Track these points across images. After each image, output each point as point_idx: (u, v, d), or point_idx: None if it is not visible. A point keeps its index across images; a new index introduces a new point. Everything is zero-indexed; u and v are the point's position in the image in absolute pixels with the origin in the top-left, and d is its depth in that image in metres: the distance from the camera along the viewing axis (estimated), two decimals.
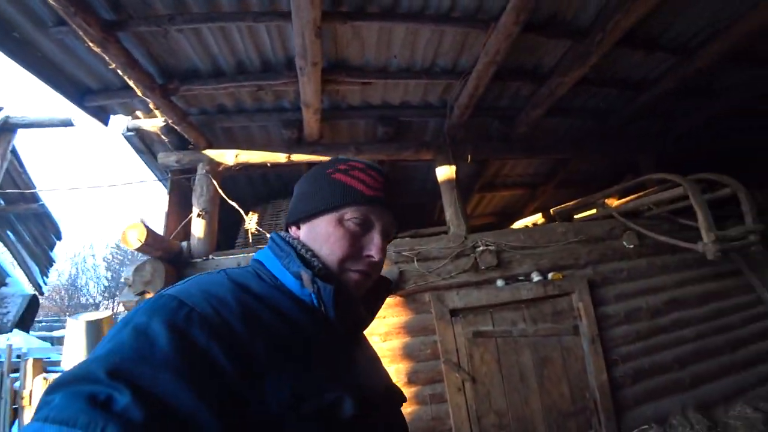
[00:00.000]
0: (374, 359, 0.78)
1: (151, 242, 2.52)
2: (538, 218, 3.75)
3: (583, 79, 3.06)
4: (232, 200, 3.04)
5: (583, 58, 2.58)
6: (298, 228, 0.74)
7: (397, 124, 3.26)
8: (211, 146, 3.17)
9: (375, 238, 0.69)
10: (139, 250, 2.47)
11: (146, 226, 2.45)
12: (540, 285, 3.01)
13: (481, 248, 3.00)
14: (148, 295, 2.73)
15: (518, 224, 4.14)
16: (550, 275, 3.07)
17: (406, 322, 2.91)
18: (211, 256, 2.93)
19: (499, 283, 2.99)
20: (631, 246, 3.37)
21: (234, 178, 3.69)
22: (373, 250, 0.69)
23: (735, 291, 3.59)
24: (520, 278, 3.05)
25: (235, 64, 2.60)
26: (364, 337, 0.80)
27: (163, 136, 3.09)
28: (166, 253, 2.76)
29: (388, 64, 2.70)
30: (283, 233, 0.75)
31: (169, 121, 2.73)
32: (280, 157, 3.16)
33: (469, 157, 3.39)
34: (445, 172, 3.28)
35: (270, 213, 3.38)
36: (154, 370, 0.41)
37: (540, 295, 3.01)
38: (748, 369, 3.36)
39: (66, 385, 0.40)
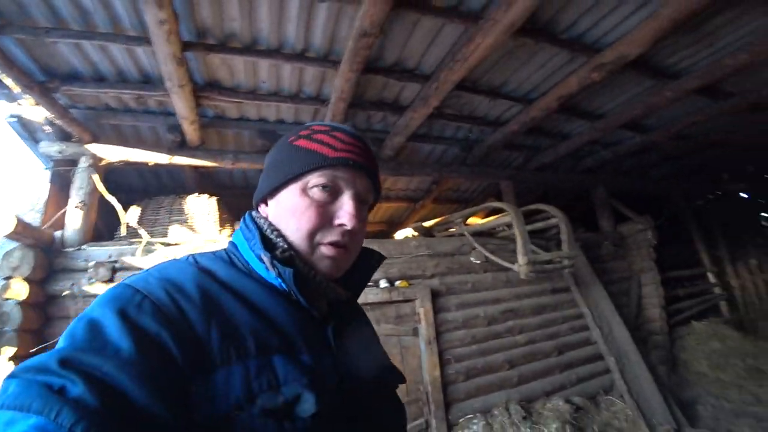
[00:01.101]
0: (367, 340, 0.76)
1: (21, 230, 2.89)
2: (411, 232, 4.46)
3: (440, 114, 3.84)
4: (120, 191, 3.44)
5: (425, 99, 3.32)
6: (267, 205, 0.73)
7: (275, 137, 3.84)
8: (96, 140, 3.56)
9: (346, 203, 0.67)
10: (8, 237, 2.84)
11: (17, 216, 2.83)
12: (386, 291, 3.69)
13: None
14: (15, 281, 3.09)
15: (398, 234, 4.86)
16: (397, 283, 3.76)
17: None
18: (84, 247, 3.32)
19: (383, 283, 3.64)
20: (478, 262, 4.17)
21: (123, 171, 4.08)
22: (344, 218, 0.66)
23: (565, 305, 4.50)
24: (370, 284, 3.71)
25: (115, 73, 3.07)
26: (359, 315, 0.79)
27: (46, 127, 3.45)
28: (38, 242, 3.13)
29: (257, 88, 3.29)
30: (253, 213, 0.73)
31: (50, 117, 3.12)
32: (163, 158, 3.63)
33: None
34: None
35: (151, 208, 3.79)
36: (105, 361, 0.43)
37: (386, 300, 3.69)
38: (568, 370, 4.24)
39: (21, 374, 0.41)
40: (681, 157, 5.75)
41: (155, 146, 3.75)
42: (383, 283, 3.74)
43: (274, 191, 0.71)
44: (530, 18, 2.79)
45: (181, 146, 3.65)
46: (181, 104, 3.04)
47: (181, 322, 0.51)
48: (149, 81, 3.13)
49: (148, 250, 3.33)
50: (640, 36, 2.82)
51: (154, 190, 4.48)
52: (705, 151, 5.61)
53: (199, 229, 3.72)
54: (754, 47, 3.12)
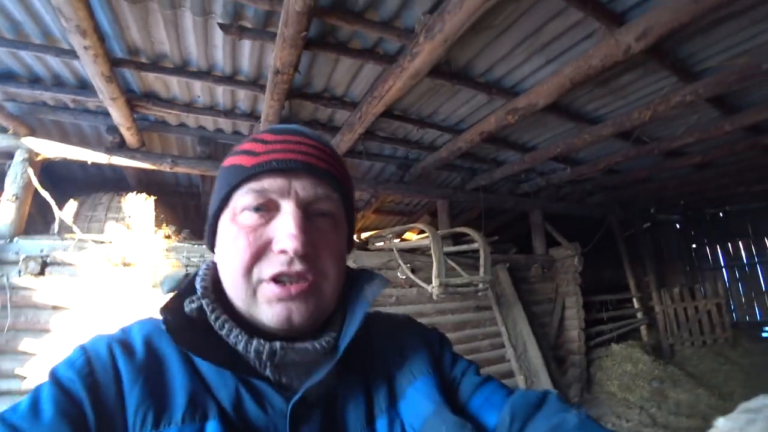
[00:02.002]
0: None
1: None
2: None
3: (374, 136, 4.11)
4: (63, 182, 3.58)
5: (351, 126, 3.58)
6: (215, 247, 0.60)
7: (215, 144, 4.05)
8: (33, 134, 3.70)
9: (283, 219, 0.53)
10: None
11: None
12: None
13: None
14: None
15: None
16: None
17: None
18: (16, 239, 3.48)
19: None
20: (403, 277, 4.47)
21: (65, 163, 4.22)
22: (282, 240, 0.51)
23: (487, 322, 4.86)
24: None
25: (51, 77, 3.23)
26: (354, 384, 0.58)
27: None
28: None
29: (193, 102, 3.50)
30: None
31: None
32: (102, 158, 3.80)
33: None
34: None
35: (89, 204, 3.97)
36: (27, 423, 0.44)
37: None
38: None
39: None
40: (614, 188, 6.18)
41: (97, 144, 3.91)
42: None
43: (212, 232, 0.60)
44: (446, 62, 3.08)
45: (121, 147, 3.83)
46: (115, 113, 3.22)
47: (107, 385, 0.49)
48: (86, 87, 3.29)
49: (80, 246, 3.52)
50: (545, 89, 3.12)
51: (97, 183, 4.65)
52: (636, 185, 6.04)
53: (135, 229, 3.91)
54: (656, 105, 3.48)
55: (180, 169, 3.99)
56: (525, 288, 5.32)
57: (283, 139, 0.57)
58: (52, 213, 3.66)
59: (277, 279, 0.52)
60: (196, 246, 3.84)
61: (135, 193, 4.12)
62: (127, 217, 3.97)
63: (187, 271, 3.64)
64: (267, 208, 0.54)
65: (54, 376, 0.49)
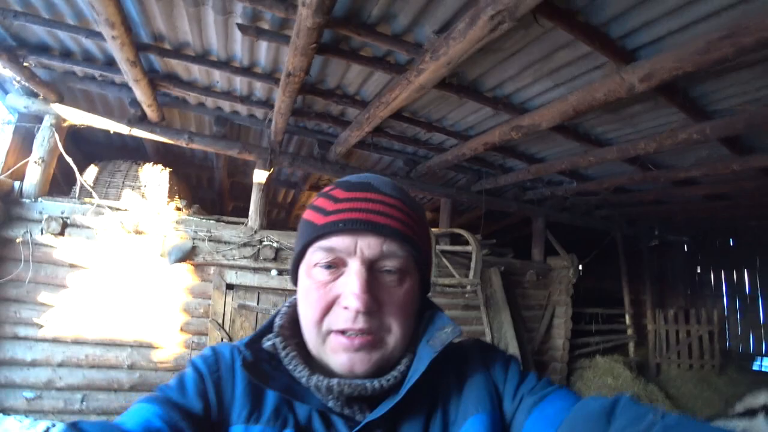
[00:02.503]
0: None
1: None
2: None
3: (384, 133, 4.25)
4: (86, 144, 3.84)
5: (360, 124, 3.72)
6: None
7: (231, 124, 4.26)
8: (62, 101, 3.96)
9: (348, 279, 0.58)
10: None
11: None
12: (285, 280, 4.22)
13: (265, 243, 4.15)
14: None
15: None
16: None
17: (192, 286, 4.03)
18: (40, 199, 3.80)
19: (273, 272, 4.18)
20: None
21: (91, 128, 4.50)
22: (347, 298, 0.57)
23: (473, 321, 5.07)
24: (266, 270, 4.24)
25: (81, 51, 3.45)
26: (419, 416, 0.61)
27: (16, 81, 3.85)
28: None
29: (212, 86, 3.69)
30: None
31: (18, 78, 3.52)
32: (123, 129, 4.05)
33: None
34: (259, 175, 4.36)
35: (108, 171, 4.26)
36: (173, 391, 0.60)
37: (281, 287, 4.23)
38: None
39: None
40: (621, 205, 6.20)
41: (120, 114, 4.16)
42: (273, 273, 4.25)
43: (294, 275, 0.68)
44: (455, 75, 3.18)
45: (142, 120, 4.06)
46: (138, 92, 3.44)
47: (227, 379, 0.62)
48: (113, 63, 3.50)
49: (97, 211, 3.83)
50: (549, 113, 3.20)
51: (118, 149, 4.95)
52: (644, 205, 6.05)
53: (149, 199, 4.20)
54: (662, 139, 3.52)
55: (195, 146, 4.23)
56: (518, 292, 5.49)
57: (352, 197, 0.62)
58: (75, 177, 3.96)
59: (343, 332, 0.58)
60: (204, 221, 4.11)
61: (152, 163, 4.39)
62: (143, 187, 4.25)
63: (193, 243, 3.93)
64: (336, 265, 0.60)
65: (194, 365, 0.64)
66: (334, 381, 0.58)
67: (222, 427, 0.59)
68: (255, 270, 4.17)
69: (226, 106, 4.07)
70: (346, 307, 0.57)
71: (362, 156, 4.92)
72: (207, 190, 6.14)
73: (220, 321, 4.05)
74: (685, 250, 8.59)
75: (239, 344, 0.67)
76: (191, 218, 4.12)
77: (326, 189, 0.66)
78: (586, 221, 6.65)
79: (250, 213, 4.31)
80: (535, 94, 3.34)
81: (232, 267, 4.11)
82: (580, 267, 5.94)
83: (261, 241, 4.19)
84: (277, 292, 4.24)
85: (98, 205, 3.83)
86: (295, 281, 0.68)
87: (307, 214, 0.65)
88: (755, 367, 7.40)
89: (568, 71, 2.99)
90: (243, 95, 3.81)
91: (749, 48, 2.21)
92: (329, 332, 0.59)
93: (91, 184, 4.06)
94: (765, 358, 7.70)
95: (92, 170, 4.27)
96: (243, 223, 4.28)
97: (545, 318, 5.62)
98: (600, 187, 5.01)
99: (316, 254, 0.61)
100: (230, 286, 4.10)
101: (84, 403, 3.61)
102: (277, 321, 0.67)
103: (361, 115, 3.64)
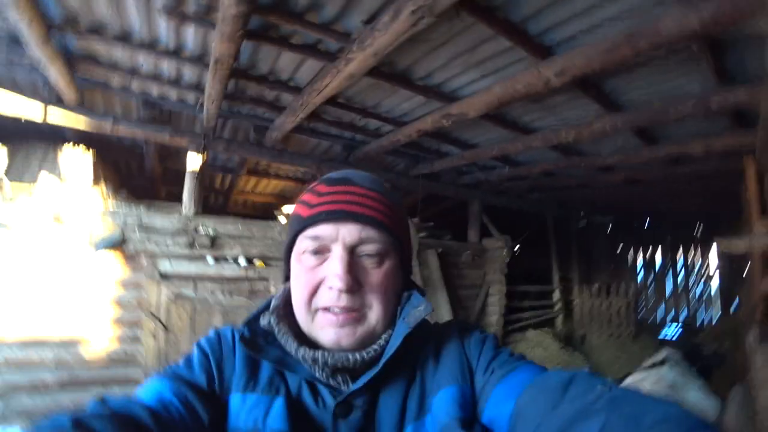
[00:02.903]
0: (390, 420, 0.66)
1: None
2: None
3: (320, 119, 4.27)
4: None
5: (294, 111, 3.74)
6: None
7: (160, 108, 4.11)
8: None
9: (331, 262, 0.66)
10: None
11: None
12: (243, 268, 4.23)
13: (201, 231, 4.10)
14: None
15: (285, 209, 5.41)
16: (256, 262, 4.31)
17: (123, 277, 3.91)
18: None
19: (210, 260, 4.14)
20: None
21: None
22: (331, 279, 0.65)
23: None
24: (229, 260, 4.24)
25: None
26: (397, 385, 0.68)
27: None
28: None
29: (137, 68, 3.52)
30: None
31: None
32: (37, 112, 3.78)
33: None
34: (193, 160, 4.27)
35: (22, 155, 3.98)
36: (182, 366, 0.70)
37: (241, 276, 4.25)
38: None
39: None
40: (552, 189, 6.66)
41: (32, 94, 3.86)
42: (242, 262, 4.27)
43: (287, 264, 0.75)
44: (387, 64, 3.26)
45: (59, 102, 3.82)
46: (54, 71, 3.23)
47: (228, 357, 0.71)
48: (18, 42, 3.26)
49: (11, 199, 3.58)
50: (475, 102, 3.39)
51: (32, 132, 4.61)
52: (571, 189, 6.53)
53: (70, 184, 3.97)
54: (580, 129, 3.83)
55: (122, 131, 4.05)
56: (455, 273, 5.79)
57: (333, 191, 0.70)
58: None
59: (329, 310, 0.65)
60: (133, 208, 3.98)
61: (72, 145, 4.13)
62: (62, 170, 4.01)
63: (122, 231, 3.81)
64: (321, 252, 0.67)
65: (199, 346, 0.73)
66: (319, 352, 0.65)
67: (224, 396, 0.68)
68: (191, 258, 4.11)
69: (154, 89, 3.90)
70: (330, 287, 0.64)
71: (300, 141, 4.93)
72: (138, 176, 5.87)
73: (155, 312, 3.97)
74: (608, 230, 9.44)
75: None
76: (119, 205, 3.97)
77: (312, 185, 0.75)
78: (520, 204, 7.09)
79: (184, 199, 4.22)
80: (463, 83, 3.50)
81: (165, 256, 4.03)
82: (516, 248, 6.35)
83: (196, 229, 4.12)
84: (214, 281, 4.21)
85: (10, 192, 3.59)
86: (287, 270, 0.75)
87: (296, 209, 0.73)
88: (662, 334, 8.35)
89: (493, 63, 3.15)
90: (171, 79, 3.68)
91: (645, 50, 2.48)
92: (317, 310, 0.66)
93: (2, 171, 3.78)
94: (670, 326, 8.78)
95: (2, 153, 3.96)
96: (177, 210, 4.19)
97: (480, 296, 5.98)
98: (530, 172, 5.35)
99: (304, 242, 0.68)
100: (164, 276, 4.03)
101: (5, 405, 3.44)
102: (273, 302, 0.75)
103: (296, 102, 3.65)
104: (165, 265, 4.01)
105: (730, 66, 2.90)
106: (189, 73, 3.57)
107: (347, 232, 0.66)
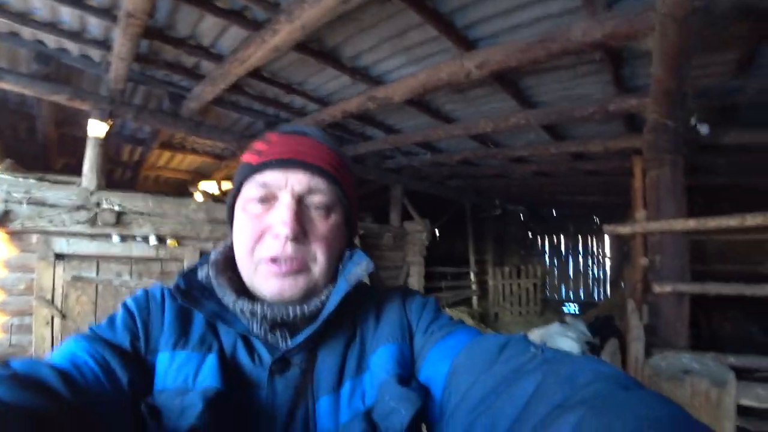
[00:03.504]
0: (327, 375, 0.65)
1: None
2: (214, 186, 4.78)
3: (242, 91, 4.09)
4: None
5: (214, 81, 3.55)
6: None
7: (58, 63, 3.65)
8: None
9: (278, 207, 0.64)
10: None
11: None
12: (154, 247, 3.97)
13: (104, 206, 3.76)
14: None
15: (202, 186, 5.14)
16: (168, 241, 4.06)
17: (8, 258, 3.48)
18: None
19: (115, 239, 3.82)
20: None
21: None
22: (276, 226, 0.63)
23: None
24: (138, 238, 3.95)
25: None
26: (336, 341, 0.68)
27: None
28: None
29: (30, 12, 3.08)
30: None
31: None
32: None
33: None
34: (96, 128, 3.88)
35: None
36: (104, 326, 0.65)
37: (151, 256, 3.99)
38: None
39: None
40: (470, 177, 7.06)
41: None
42: (153, 240, 4.00)
43: (230, 216, 0.72)
44: (315, 40, 3.21)
45: None
46: None
47: (155, 315, 0.67)
48: None
49: None
50: (401, 87, 3.48)
51: None
52: (489, 178, 6.98)
53: None
54: (497, 121, 4.09)
55: (6, 86, 3.55)
56: (376, 254, 5.93)
57: (286, 141, 0.68)
58: None
59: (273, 259, 0.62)
60: (21, 179, 3.53)
61: None
62: None
63: (5, 206, 3.38)
64: (269, 200, 0.65)
65: (125, 306, 0.68)
66: (258, 305, 0.62)
67: (150, 357, 0.63)
68: (92, 237, 3.76)
69: (51, 40, 3.44)
70: (276, 235, 0.62)
71: (220, 114, 4.68)
72: (27, 142, 5.18)
73: (49, 297, 3.59)
74: (521, 218, 10.29)
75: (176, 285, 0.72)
76: (3, 177, 3.50)
77: (264, 135, 0.72)
78: (440, 190, 7.42)
79: (84, 171, 3.82)
80: (390, 68, 3.55)
81: (61, 234, 3.64)
82: (437, 231, 6.65)
83: (99, 204, 3.77)
84: (120, 261, 3.90)
85: None
86: (231, 221, 0.72)
87: (245, 157, 0.69)
88: (565, 310, 9.40)
89: (420, 50, 3.24)
90: (73, 30, 3.26)
91: (556, 53, 2.72)
92: (260, 261, 0.63)
93: None
94: (569, 304, 9.90)
95: None
96: (75, 183, 3.79)
97: (401, 277, 6.21)
98: (451, 160, 5.61)
99: (250, 190, 0.65)
100: (60, 256, 3.65)
101: None
102: (213, 256, 0.71)
103: (217, 71, 3.46)
104: (61, 245, 3.62)
105: (625, 76, 3.29)
106: (95, 25, 3.19)
107: (296, 179, 0.64)
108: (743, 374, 2.50)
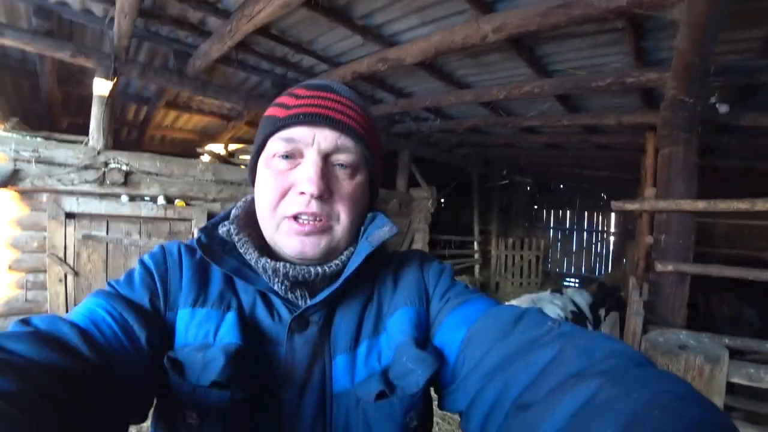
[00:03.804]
0: (344, 334, 0.66)
1: None
2: (221, 148, 4.77)
3: (251, 50, 4.00)
4: None
5: (221, 38, 3.45)
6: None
7: (58, 19, 3.57)
8: None
9: (303, 164, 0.63)
10: None
11: None
12: (162, 207, 4.00)
13: (112, 165, 3.77)
14: None
15: (209, 147, 5.13)
16: (176, 201, 4.10)
17: (19, 217, 3.52)
18: None
19: (123, 198, 3.86)
20: None
21: None
22: (301, 183, 0.62)
23: None
24: (146, 198, 3.98)
25: None
26: (354, 299, 0.69)
27: None
28: None
29: None
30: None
31: None
32: None
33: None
34: (101, 86, 3.83)
35: None
36: (123, 283, 0.66)
37: (160, 216, 4.03)
38: None
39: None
40: (479, 145, 6.97)
41: None
42: (161, 200, 4.03)
43: (252, 172, 0.71)
44: None
45: None
46: None
47: (173, 272, 0.67)
48: None
49: None
50: (413, 49, 3.37)
51: None
52: (497, 147, 6.89)
53: None
54: (511, 89, 3.99)
55: (6, 41, 3.48)
56: None
57: (314, 95, 0.65)
58: None
59: (296, 216, 0.62)
60: (28, 138, 3.52)
61: None
62: None
63: (15, 165, 3.39)
64: (294, 156, 0.64)
65: (142, 262, 0.69)
66: (281, 264, 0.63)
67: (169, 314, 0.64)
68: (101, 196, 3.79)
69: None
70: (301, 193, 0.61)
71: (227, 73, 4.58)
72: (31, 101, 5.13)
73: (61, 255, 3.66)
74: (527, 190, 10.25)
75: (192, 242, 0.71)
76: (10, 135, 3.49)
77: (291, 89, 0.70)
78: (448, 158, 7.36)
79: (90, 130, 3.81)
80: (403, 29, 3.43)
81: (71, 193, 3.66)
82: (442, 200, 6.65)
83: (107, 164, 3.78)
84: (130, 220, 3.95)
85: None
86: (253, 177, 0.71)
87: (270, 111, 0.68)
88: (565, 283, 9.49)
89: (434, 11, 3.11)
90: None
91: (578, 19, 2.61)
92: (283, 218, 0.63)
93: None
94: (571, 278, 9.99)
95: None
96: (82, 142, 3.78)
97: (405, 243, 6.26)
98: (460, 127, 5.52)
99: (276, 145, 0.64)
100: (71, 215, 3.69)
101: None
102: (234, 212, 0.71)
103: (223, 27, 3.36)
104: (71, 204, 3.66)
105: (647, 48, 3.16)
106: None
107: (323, 137, 0.63)
108: (736, 355, 2.57)
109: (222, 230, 0.69)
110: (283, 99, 0.68)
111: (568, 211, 10.54)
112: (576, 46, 3.33)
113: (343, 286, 0.64)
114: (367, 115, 0.70)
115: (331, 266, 0.65)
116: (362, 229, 0.70)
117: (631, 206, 3.38)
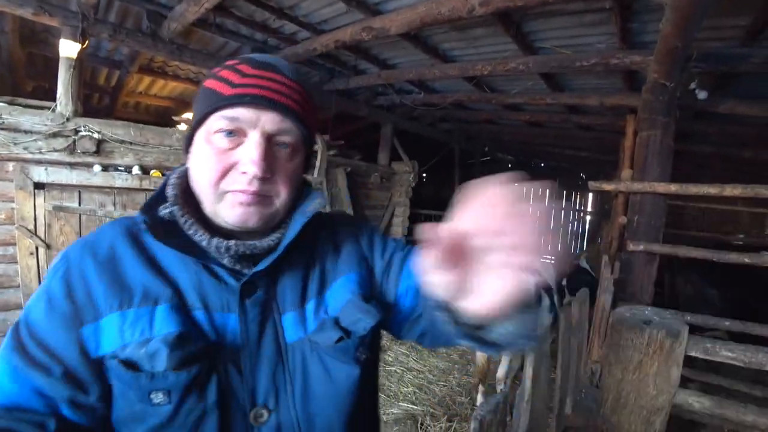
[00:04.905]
0: (291, 295, 0.73)
1: None
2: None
3: (230, 14, 3.83)
4: None
5: None
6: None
7: None
8: None
9: (248, 148, 0.65)
10: None
11: None
12: (137, 178, 3.90)
13: (83, 133, 3.63)
14: None
15: (185, 116, 4.98)
16: (151, 172, 4.00)
17: None
18: None
19: (96, 168, 3.73)
20: None
21: None
22: (246, 165, 0.64)
23: None
24: (120, 168, 3.87)
25: None
26: (297, 266, 0.76)
27: None
28: None
29: None
30: (180, 167, 0.76)
31: None
32: None
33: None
34: (68, 47, 3.63)
35: None
36: (31, 311, 0.64)
37: (135, 187, 3.92)
38: None
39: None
40: (462, 120, 6.97)
41: None
42: (136, 171, 3.92)
43: (189, 142, 0.71)
44: None
45: None
46: None
47: (77, 284, 0.64)
48: None
49: None
50: (398, 19, 3.28)
51: None
52: (480, 124, 6.90)
53: None
54: (496, 64, 3.97)
55: None
56: (362, 193, 5.98)
57: (259, 74, 0.66)
58: None
59: (236, 191, 0.66)
60: None
61: None
62: None
63: None
64: (236, 134, 0.65)
65: (48, 293, 0.65)
66: (232, 242, 0.67)
67: (96, 326, 0.63)
68: (72, 165, 3.65)
69: None
70: (244, 173, 0.64)
71: (204, 37, 4.39)
72: None
73: (31, 227, 3.54)
74: (509, 167, 10.39)
75: (99, 233, 0.72)
76: None
77: (230, 62, 0.70)
78: (430, 132, 7.34)
79: (58, 96, 3.62)
80: None
81: (39, 162, 3.51)
82: (424, 174, 6.67)
83: (77, 131, 3.63)
84: (103, 191, 3.83)
85: None
86: (188, 148, 0.72)
87: (211, 83, 0.68)
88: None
89: None
90: None
91: None
92: (225, 192, 0.66)
93: None
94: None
95: None
96: (49, 108, 3.61)
97: (385, 217, 6.31)
98: (444, 101, 5.49)
99: (218, 122, 0.65)
100: (40, 185, 3.54)
101: None
102: (170, 191, 0.71)
103: None
104: (39, 173, 3.51)
105: (633, 30, 3.17)
106: None
107: (268, 119, 0.65)
108: (696, 331, 2.74)
109: (164, 212, 0.70)
110: (226, 73, 0.68)
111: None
112: (563, 23, 3.32)
113: (283, 253, 0.70)
114: (308, 94, 0.73)
115: (272, 239, 0.71)
116: (299, 202, 0.76)
117: (608, 186, 3.48)
